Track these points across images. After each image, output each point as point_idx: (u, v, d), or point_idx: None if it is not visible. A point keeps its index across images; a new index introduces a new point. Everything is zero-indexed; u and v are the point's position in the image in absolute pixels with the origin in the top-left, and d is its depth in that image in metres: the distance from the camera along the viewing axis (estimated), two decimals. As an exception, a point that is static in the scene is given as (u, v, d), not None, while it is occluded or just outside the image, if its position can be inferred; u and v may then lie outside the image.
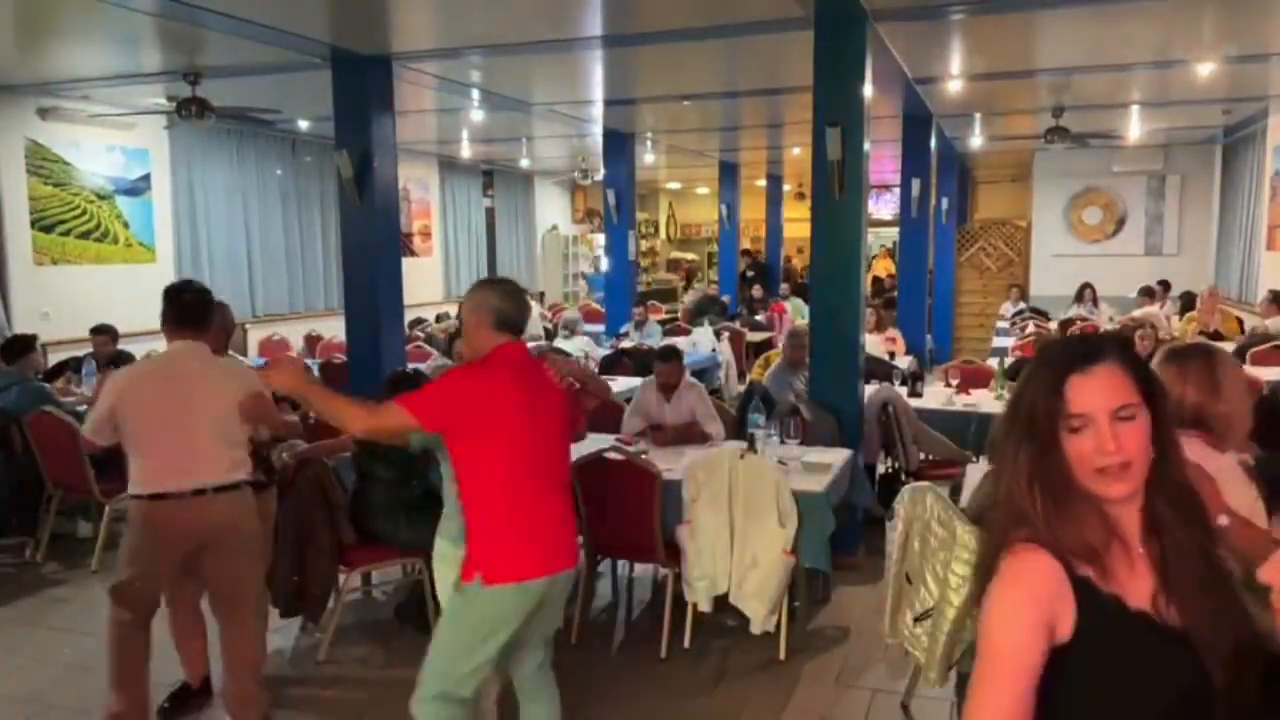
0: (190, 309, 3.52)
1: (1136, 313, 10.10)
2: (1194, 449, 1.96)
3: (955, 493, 4.38)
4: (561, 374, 2.96)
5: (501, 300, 2.86)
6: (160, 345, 3.70)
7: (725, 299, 14.05)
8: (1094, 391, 1.32)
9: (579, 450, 4.41)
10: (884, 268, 17.57)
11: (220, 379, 3.49)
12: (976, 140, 12.25)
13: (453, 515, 2.96)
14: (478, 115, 10.04)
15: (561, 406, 2.92)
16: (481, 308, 2.86)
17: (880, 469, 6.26)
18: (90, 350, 7.18)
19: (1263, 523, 2.12)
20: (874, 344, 8.03)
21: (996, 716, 1.26)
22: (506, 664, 2.97)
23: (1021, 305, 12.66)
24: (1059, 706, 1.28)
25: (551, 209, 18.01)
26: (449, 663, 2.77)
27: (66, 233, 8.80)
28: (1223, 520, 1.82)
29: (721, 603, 4.23)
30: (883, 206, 17.10)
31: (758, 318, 12.59)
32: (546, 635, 3.01)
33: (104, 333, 7.17)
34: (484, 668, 2.79)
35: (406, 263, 7.88)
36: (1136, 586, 1.32)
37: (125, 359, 7.01)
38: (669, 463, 4.46)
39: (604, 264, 16.77)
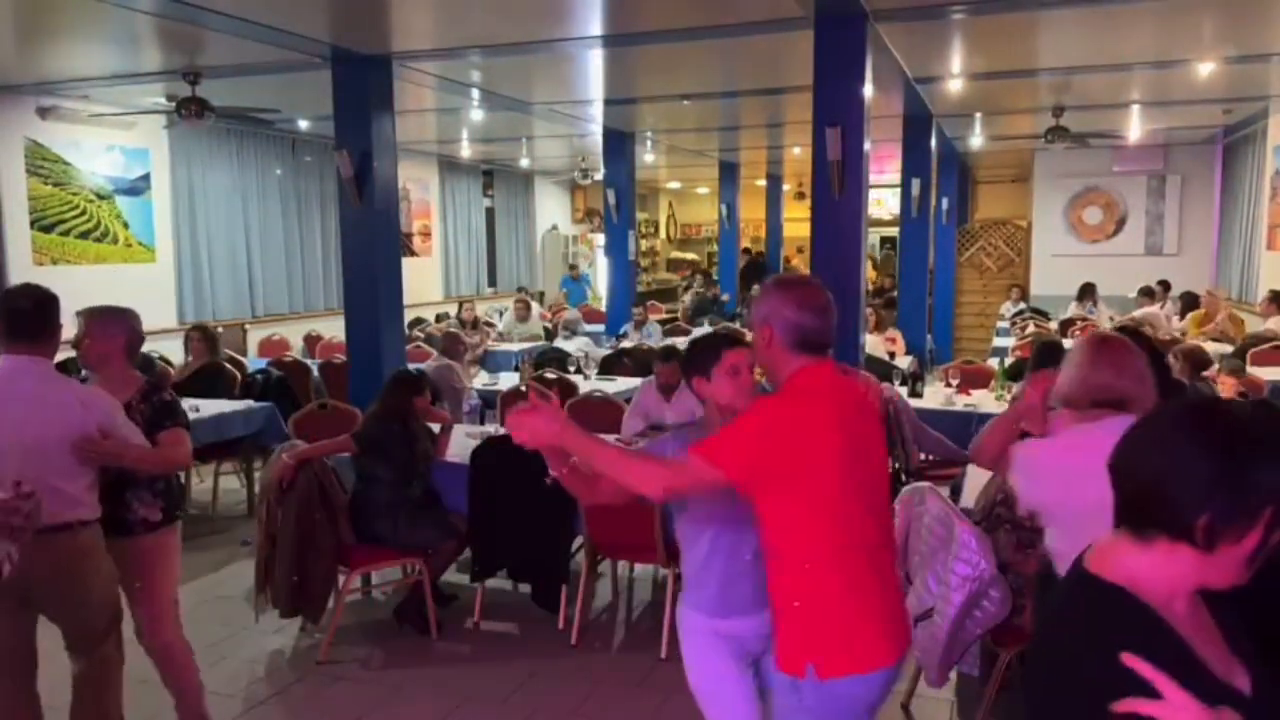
0: (23, 318, 2.91)
1: (1136, 313, 10.10)
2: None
3: (955, 493, 4.37)
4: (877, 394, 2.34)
5: (799, 312, 2.15)
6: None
7: (725, 296, 14.06)
8: None
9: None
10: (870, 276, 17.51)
11: (56, 407, 2.90)
12: (976, 140, 12.25)
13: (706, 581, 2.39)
14: (478, 115, 10.04)
15: (882, 439, 2.31)
16: (772, 320, 2.17)
17: (880, 469, 6.25)
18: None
19: None
20: (874, 344, 8.02)
21: None
22: None
23: (1021, 305, 12.66)
24: None
25: (551, 209, 18.01)
26: None
27: (66, 233, 8.80)
28: None
29: (722, 603, 4.22)
30: (882, 207, 17.09)
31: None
32: None
33: None
34: None
35: (406, 263, 7.88)
36: None
37: (141, 360, 6.99)
38: (669, 463, 4.44)
39: (587, 265, 16.90)
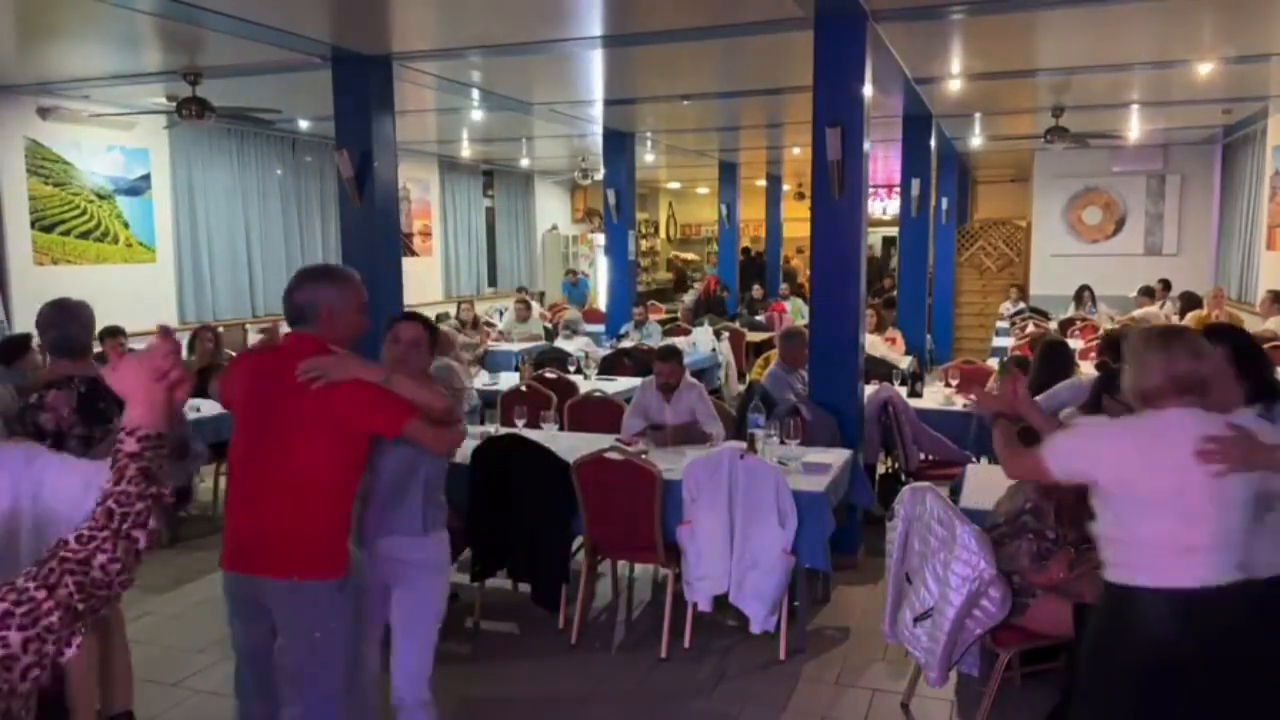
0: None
1: (1136, 312, 10.11)
2: None
3: (955, 493, 4.37)
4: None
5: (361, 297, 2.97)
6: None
7: (725, 293, 14.10)
8: None
9: (579, 449, 4.44)
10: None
11: None
12: (976, 140, 12.25)
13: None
14: (478, 115, 10.05)
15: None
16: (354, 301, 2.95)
17: (880, 469, 6.26)
18: (93, 352, 7.15)
19: None
20: (874, 344, 8.01)
21: None
22: None
23: (1021, 305, 12.66)
24: None
25: (551, 209, 18.02)
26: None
27: (66, 233, 8.81)
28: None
29: (721, 603, 4.23)
30: (883, 207, 17.10)
31: (758, 318, 12.60)
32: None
33: (115, 335, 7.11)
34: None
35: (406, 263, 7.88)
36: None
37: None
38: (669, 463, 4.45)
39: (587, 265, 16.86)
